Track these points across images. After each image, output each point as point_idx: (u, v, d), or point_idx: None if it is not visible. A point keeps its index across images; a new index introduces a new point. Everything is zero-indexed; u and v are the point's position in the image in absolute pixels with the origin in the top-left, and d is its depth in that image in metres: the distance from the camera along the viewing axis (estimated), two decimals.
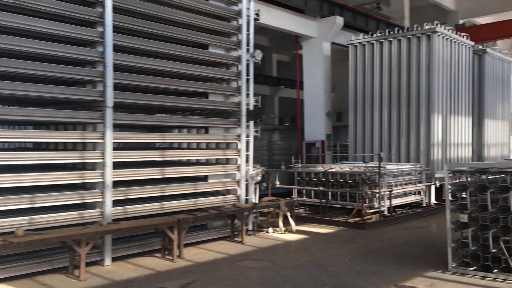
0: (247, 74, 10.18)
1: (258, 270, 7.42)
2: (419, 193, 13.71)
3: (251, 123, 10.23)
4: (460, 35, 15.73)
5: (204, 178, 9.84)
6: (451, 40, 15.09)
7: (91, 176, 7.74)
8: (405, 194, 13.23)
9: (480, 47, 17.57)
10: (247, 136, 10.18)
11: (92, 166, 7.96)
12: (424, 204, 13.67)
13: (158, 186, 8.69)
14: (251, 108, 10.23)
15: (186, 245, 8.71)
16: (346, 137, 23.07)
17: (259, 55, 10.28)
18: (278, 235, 10.20)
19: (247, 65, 10.19)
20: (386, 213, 11.96)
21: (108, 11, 7.71)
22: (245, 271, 7.39)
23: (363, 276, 6.94)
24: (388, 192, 11.90)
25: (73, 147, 8.59)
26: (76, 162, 7.94)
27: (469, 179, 7.13)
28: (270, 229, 10.50)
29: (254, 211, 10.06)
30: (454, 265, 7.03)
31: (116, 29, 7.94)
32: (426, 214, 12.80)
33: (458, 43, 15.50)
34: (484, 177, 7.06)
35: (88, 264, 7.34)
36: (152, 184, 8.65)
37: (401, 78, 14.94)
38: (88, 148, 8.07)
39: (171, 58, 8.96)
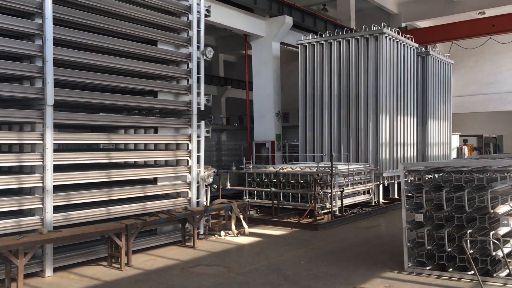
0: (198, 72, 9.82)
1: (213, 276, 7.09)
2: (368, 192, 13.85)
3: (202, 123, 9.88)
4: (405, 37, 16.08)
5: (153, 181, 9.39)
6: (397, 41, 15.39)
7: (29, 180, 7.10)
8: (354, 194, 13.32)
9: (423, 49, 18.10)
10: (198, 136, 9.82)
11: (30, 170, 7.33)
12: (373, 204, 13.83)
13: (104, 190, 8.16)
14: (202, 107, 9.88)
15: (135, 252, 8.24)
16: (293, 137, 23.16)
17: (210, 53, 9.94)
18: (231, 238, 9.90)
19: (198, 63, 9.83)
20: (337, 213, 11.96)
21: (48, 1, 7.12)
22: (198, 278, 7.03)
23: (321, 279, 6.77)
24: (339, 192, 11.91)
25: (9, 148, 7.90)
26: (12, 165, 7.28)
27: (417, 179, 7.15)
28: (222, 233, 10.19)
29: (206, 214, 9.70)
30: (410, 265, 7.01)
31: (57, 22, 7.37)
32: (376, 213, 12.93)
33: (404, 44, 15.84)
34: (435, 176, 7.11)
35: (27, 276, 6.74)
36: (97, 188, 8.12)
37: (350, 78, 15.07)
38: (26, 150, 7.43)
39: (117, 54, 8.45)
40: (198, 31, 9.84)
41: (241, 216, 10.25)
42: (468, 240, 6.35)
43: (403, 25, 25.39)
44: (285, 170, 12.55)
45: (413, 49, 16.60)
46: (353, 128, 14.99)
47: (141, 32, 8.83)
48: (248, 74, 18.61)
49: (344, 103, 15.17)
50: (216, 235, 10.10)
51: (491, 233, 6.25)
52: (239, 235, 10.12)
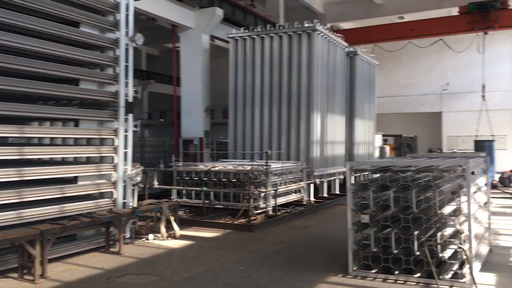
0: (126, 61, 8.94)
1: (144, 287, 6.33)
2: (300, 191, 13.62)
3: (130, 116, 9.00)
4: (336, 36, 16.09)
5: (73, 180, 8.36)
6: (328, 40, 15.34)
7: None
8: (286, 193, 13.01)
9: (351, 49, 18.29)
10: (126, 131, 8.93)
11: None
12: (305, 202, 13.63)
13: (14, 191, 7.08)
14: (131, 99, 9.01)
15: (51, 261, 7.24)
16: (219, 134, 22.64)
17: (140, 39, 9.08)
18: (161, 242, 9.13)
19: (126, 50, 8.94)
20: (271, 213, 11.56)
21: None
22: None
23: (264, 287, 6.27)
24: (273, 191, 11.52)
25: None
26: None
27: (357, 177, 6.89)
28: (151, 236, 9.38)
29: (134, 216, 8.85)
30: (354, 268, 6.72)
31: None
32: (308, 212, 12.73)
33: (335, 43, 15.85)
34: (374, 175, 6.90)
35: None
36: (7, 188, 7.01)
37: (282, 75, 14.78)
38: None
39: (31, 34, 7.36)
40: (127, 15, 8.95)
41: (172, 218, 9.50)
42: (416, 242, 6.16)
43: (328, 25, 25.69)
44: (217, 168, 11.94)
45: (343, 48, 16.69)
46: (284, 126, 14.73)
47: (61, 11, 7.80)
48: (176, 68, 17.73)
49: (275, 100, 14.86)
50: (143, 239, 9.28)
51: (438, 234, 6.10)
52: (169, 238, 9.38)
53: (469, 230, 5.93)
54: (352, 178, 6.91)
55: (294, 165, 13.34)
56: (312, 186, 14.23)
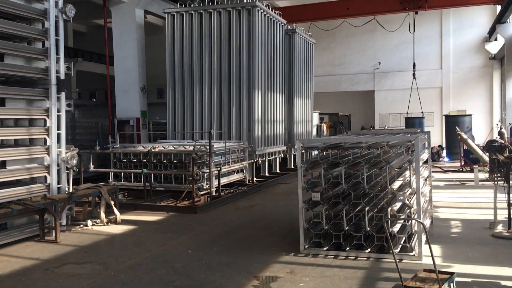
0: (57, 34, 8.22)
1: (87, 277, 5.91)
2: (242, 171, 13.47)
3: (63, 95, 8.35)
4: (275, 13, 15.91)
5: (1, 165, 7.65)
6: (268, 16, 15.13)
7: None
8: (229, 173, 12.81)
9: (289, 27, 18.19)
10: (58, 111, 8.27)
11: None
12: (247, 182, 13.51)
13: None
14: (63, 76, 8.34)
15: None
16: (154, 115, 21.92)
17: (71, 10, 8.39)
18: (100, 228, 8.65)
19: (56, 23, 8.21)
20: (214, 194, 11.31)
21: None
22: (69, 281, 5.80)
23: (217, 271, 6.06)
24: (216, 172, 11.27)
25: None
26: None
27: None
28: (89, 222, 8.86)
29: (70, 202, 8.28)
30: (306, 246, 6.67)
31: None
32: (251, 192, 12.63)
33: (274, 20, 15.67)
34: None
35: None
36: None
37: (222, 52, 14.43)
38: None
39: None
40: None
41: (112, 202, 9.01)
42: (367, 218, 6.20)
43: (264, 3, 25.46)
44: (157, 149, 11.48)
45: (282, 26, 16.56)
46: (225, 105, 14.45)
47: None
48: (108, 45, 16.79)
49: (216, 78, 14.50)
50: (81, 225, 8.74)
51: (388, 209, 6.16)
52: (109, 223, 8.92)
53: (418, 204, 6.04)
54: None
55: (236, 145, 13.14)
56: (253, 165, 14.13)
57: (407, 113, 24.02)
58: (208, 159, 11.00)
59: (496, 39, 27.04)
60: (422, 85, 25.42)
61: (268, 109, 15.17)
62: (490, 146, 13.72)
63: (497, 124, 18.11)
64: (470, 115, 21.34)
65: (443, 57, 29.28)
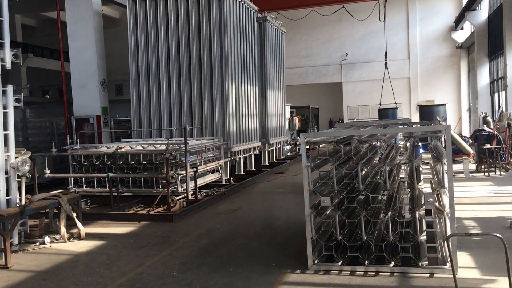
0: (0, 15, 6.78)
1: None
2: (218, 170, 12.27)
3: (10, 88, 6.92)
4: None
5: None
6: (240, 2, 13.95)
7: None
8: (203, 174, 11.60)
9: (259, 15, 17.08)
10: (5, 107, 6.84)
11: None
12: (224, 182, 12.33)
13: None
14: (9, 65, 6.92)
15: None
16: (114, 112, 20.39)
17: None
18: (61, 245, 7.31)
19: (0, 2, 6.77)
20: (190, 197, 10.07)
21: None
22: None
23: None
24: (192, 173, 10.04)
25: None
26: None
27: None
28: (47, 238, 7.49)
29: (23, 216, 6.88)
30: (316, 261, 5.58)
31: None
32: (230, 193, 11.46)
33: (246, 6, 14.52)
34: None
35: None
36: None
37: (192, 43, 13.19)
38: None
39: None
40: None
41: (74, 214, 7.65)
42: (390, 225, 5.18)
43: None
44: (123, 150, 10.13)
45: (254, 13, 15.43)
46: (196, 99, 13.21)
47: None
48: (62, 38, 15.17)
49: (185, 71, 13.27)
50: (37, 243, 7.37)
51: (417, 213, 5.16)
52: (71, 239, 7.57)
53: (452, 206, 5.06)
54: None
55: (211, 142, 11.93)
56: (230, 164, 12.97)
57: (380, 104, 23.38)
58: (182, 159, 9.77)
59: (462, 28, 26.88)
60: (390, 76, 24.87)
61: (242, 102, 14.04)
62: (478, 136, 13.11)
63: (482, 113, 17.63)
64: (445, 104, 20.93)
65: (410, 47, 28.94)
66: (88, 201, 10.57)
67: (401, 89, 28.10)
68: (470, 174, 12.46)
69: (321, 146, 6.47)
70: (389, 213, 5.22)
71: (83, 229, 7.66)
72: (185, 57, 13.23)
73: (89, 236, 7.73)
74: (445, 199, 5.21)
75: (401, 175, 7.40)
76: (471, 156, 14.09)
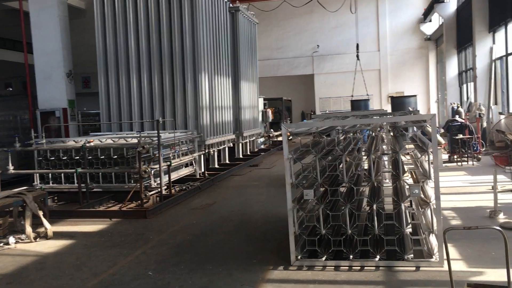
0: None
1: None
2: (192, 164, 11.94)
3: None
4: None
5: None
6: None
7: None
8: (176, 167, 11.25)
9: (231, 4, 16.74)
10: None
11: None
12: (198, 176, 12.01)
13: None
14: None
15: None
16: (81, 106, 19.75)
17: None
18: (27, 246, 6.89)
19: None
20: (164, 192, 9.72)
21: None
22: None
23: None
24: (166, 167, 9.70)
25: None
26: None
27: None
28: (11, 239, 7.05)
29: None
30: (299, 257, 5.38)
31: None
32: (205, 187, 11.16)
33: None
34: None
35: None
36: None
37: (162, 33, 12.78)
38: None
39: None
40: None
41: (41, 213, 7.23)
42: (375, 218, 5.01)
43: None
44: (92, 144, 9.69)
45: (226, 3, 15.08)
46: (168, 91, 12.82)
47: None
48: (26, 29, 14.48)
49: (156, 62, 12.87)
50: (1, 244, 6.92)
51: (403, 205, 5.01)
52: (38, 239, 7.15)
53: (437, 198, 4.93)
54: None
55: (185, 135, 11.59)
56: (203, 157, 12.65)
57: (352, 95, 23.41)
58: (155, 152, 9.42)
59: (431, 20, 27.19)
60: (361, 67, 24.95)
61: (215, 94, 13.72)
62: (450, 126, 13.19)
63: (453, 103, 17.85)
64: (415, 95, 21.05)
65: (380, 39, 29.10)
66: (56, 198, 10.09)
67: (372, 81, 28.23)
68: (443, 164, 12.53)
69: (292, 139, 6.24)
70: (374, 206, 5.05)
71: (50, 228, 7.24)
72: (156, 47, 12.81)
73: (57, 235, 7.32)
74: (430, 190, 5.08)
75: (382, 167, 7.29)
76: (443, 146, 14.18)
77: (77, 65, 17.03)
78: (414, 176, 5.83)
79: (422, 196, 5.07)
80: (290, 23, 30.26)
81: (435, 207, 4.92)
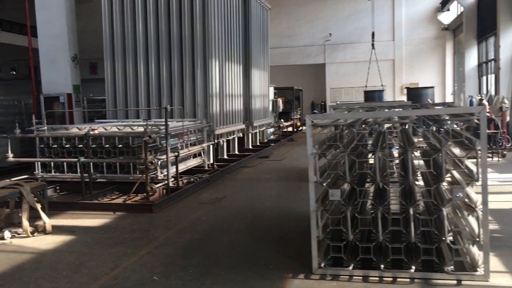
0: None
1: None
2: (200, 154, 11.37)
3: None
4: None
5: None
6: None
7: None
8: (184, 158, 10.69)
9: None
10: None
11: None
12: (206, 168, 11.45)
13: None
14: None
15: None
16: (87, 92, 19.24)
17: None
18: (23, 241, 6.38)
19: None
20: (171, 184, 9.16)
21: None
22: None
23: None
24: (174, 158, 9.14)
25: None
26: None
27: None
28: (7, 233, 6.54)
29: None
30: (322, 264, 4.80)
31: None
32: (213, 180, 10.59)
33: None
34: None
35: None
36: None
37: (172, 18, 12.18)
38: None
39: None
40: None
41: (39, 205, 6.69)
42: (412, 223, 4.40)
43: None
44: (96, 132, 9.13)
45: None
46: (177, 78, 12.22)
47: None
48: (30, 11, 13.88)
49: (164, 47, 12.28)
50: None
51: (444, 210, 4.40)
52: (35, 233, 6.63)
53: (485, 203, 4.32)
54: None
55: (193, 124, 11.01)
56: (213, 148, 12.09)
57: (366, 86, 22.66)
58: (163, 142, 8.86)
59: (448, 9, 26.27)
60: (376, 57, 24.18)
61: (226, 81, 13.10)
62: None
63: (477, 96, 17.10)
64: (433, 87, 20.34)
65: (395, 28, 28.23)
66: (58, 187, 9.58)
67: (385, 71, 27.37)
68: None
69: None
70: (411, 210, 4.45)
71: (49, 222, 6.71)
72: (165, 32, 12.20)
73: (57, 230, 6.80)
74: (473, 194, 4.47)
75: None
76: None
77: (84, 50, 16.52)
78: (454, 178, 5.20)
79: (467, 200, 4.45)
80: (302, 10, 29.43)
81: (481, 213, 4.30)
